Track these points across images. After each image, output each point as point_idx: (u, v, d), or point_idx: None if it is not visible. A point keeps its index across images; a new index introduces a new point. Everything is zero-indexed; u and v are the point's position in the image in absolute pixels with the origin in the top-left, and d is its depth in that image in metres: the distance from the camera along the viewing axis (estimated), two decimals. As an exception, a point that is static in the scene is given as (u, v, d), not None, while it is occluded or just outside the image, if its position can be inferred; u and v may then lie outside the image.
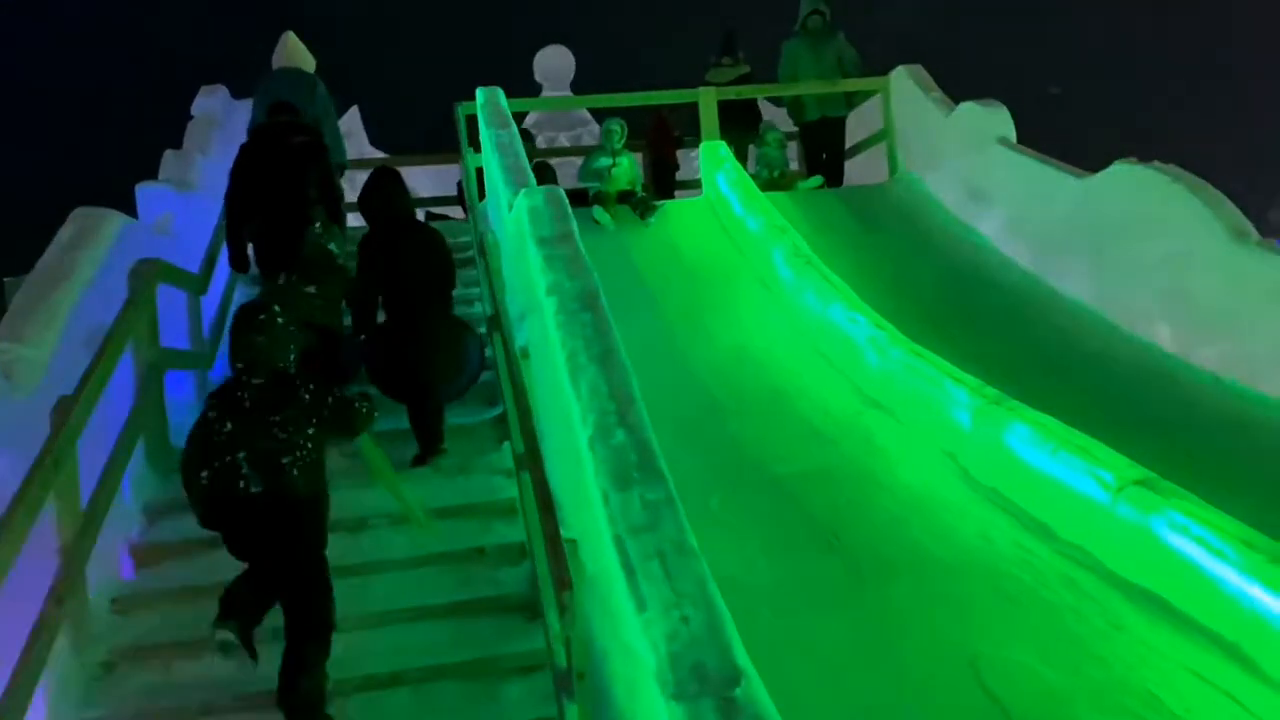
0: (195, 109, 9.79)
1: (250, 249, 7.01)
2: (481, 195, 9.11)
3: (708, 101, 10.61)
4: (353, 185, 9.80)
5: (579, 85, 15.60)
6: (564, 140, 14.92)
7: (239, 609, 4.19)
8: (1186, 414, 6.38)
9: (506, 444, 5.92)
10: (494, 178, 8.09)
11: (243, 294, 7.51)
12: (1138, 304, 7.49)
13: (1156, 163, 7.78)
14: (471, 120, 9.87)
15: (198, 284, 7.13)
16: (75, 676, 4.54)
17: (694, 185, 11.03)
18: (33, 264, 5.68)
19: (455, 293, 6.57)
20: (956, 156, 9.79)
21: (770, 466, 6.06)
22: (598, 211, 9.77)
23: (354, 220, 8.41)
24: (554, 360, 4.72)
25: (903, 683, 4.32)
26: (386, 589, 5.06)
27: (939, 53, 12.20)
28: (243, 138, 7.84)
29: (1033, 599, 4.83)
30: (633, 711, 3.45)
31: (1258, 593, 4.28)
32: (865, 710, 4.18)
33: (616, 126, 10.28)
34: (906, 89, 10.67)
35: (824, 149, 11.10)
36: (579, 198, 9.26)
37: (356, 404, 4.50)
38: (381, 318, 6.35)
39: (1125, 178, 7.91)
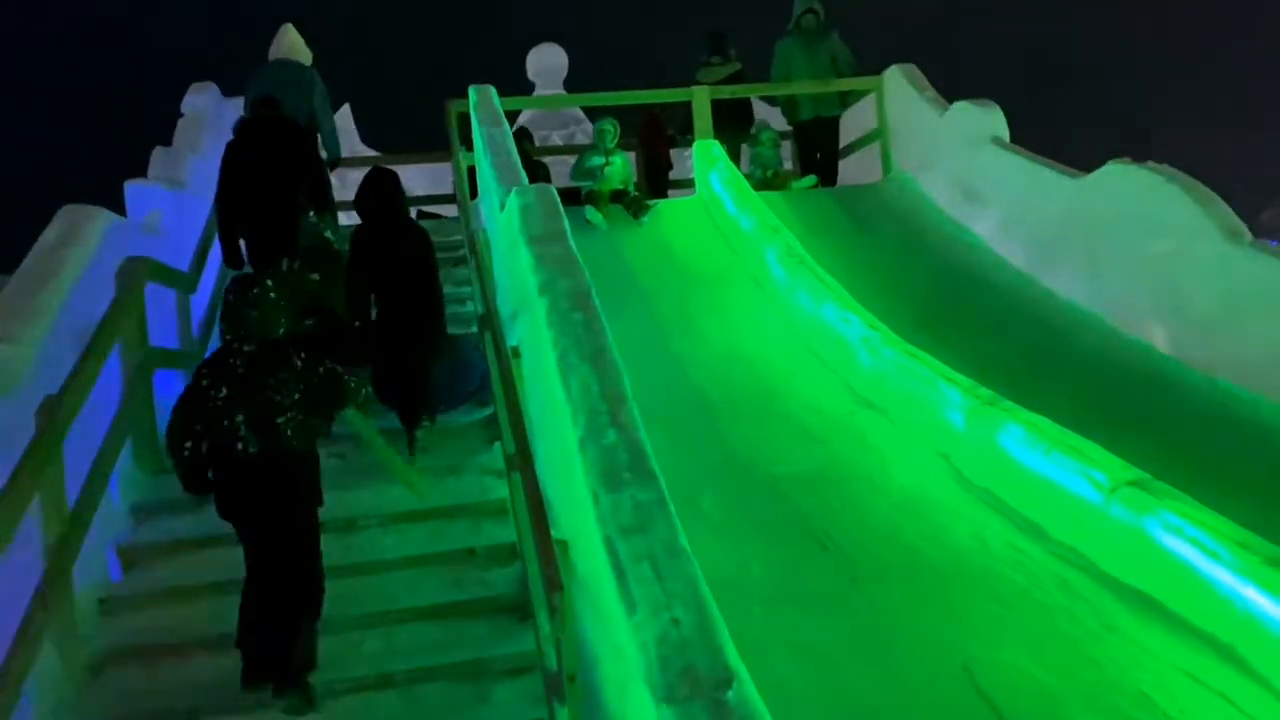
0: (185, 107, 9.73)
1: (243, 245, 6.98)
2: (474, 194, 9.08)
3: (701, 100, 10.58)
4: (344, 184, 9.76)
5: (572, 84, 15.57)
6: (557, 139, 14.88)
7: (262, 666, 4.31)
8: (1180, 415, 6.37)
9: (497, 444, 5.89)
10: (486, 176, 8.06)
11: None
12: (1132, 304, 7.47)
13: (1150, 163, 7.77)
14: (463, 118, 9.84)
15: (187, 282, 7.09)
16: (62, 678, 4.50)
17: (687, 184, 11.01)
18: (19, 262, 5.63)
19: (447, 290, 6.54)
20: (950, 156, 9.77)
21: (763, 467, 6.03)
22: (590, 211, 9.74)
23: (347, 220, 8.39)
24: (545, 360, 4.70)
25: (895, 683, 4.30)
26: (376, 590, 5.03)
27: (933, 52, 12.20)
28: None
29: (1026, 600, 4.82)
30: (623, 714, 3.42)
31: (1252, 594, 4.26)
32: (858, 712, 4.16)
33: (610, 126, 10.26)
34: (900, 88, 10.66)
35: (818, 148, 11.09)
36: (571, 196, 9.24)
37: (345, 377, 4.64)
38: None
39: (1119, 178, 7.90)
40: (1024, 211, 8.77)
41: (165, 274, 6.57)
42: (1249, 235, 6.93)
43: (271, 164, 6.81)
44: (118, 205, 7.28)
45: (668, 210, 10.22)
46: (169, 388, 6.43)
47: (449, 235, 9.11)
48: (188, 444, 4.44)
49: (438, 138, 10.61)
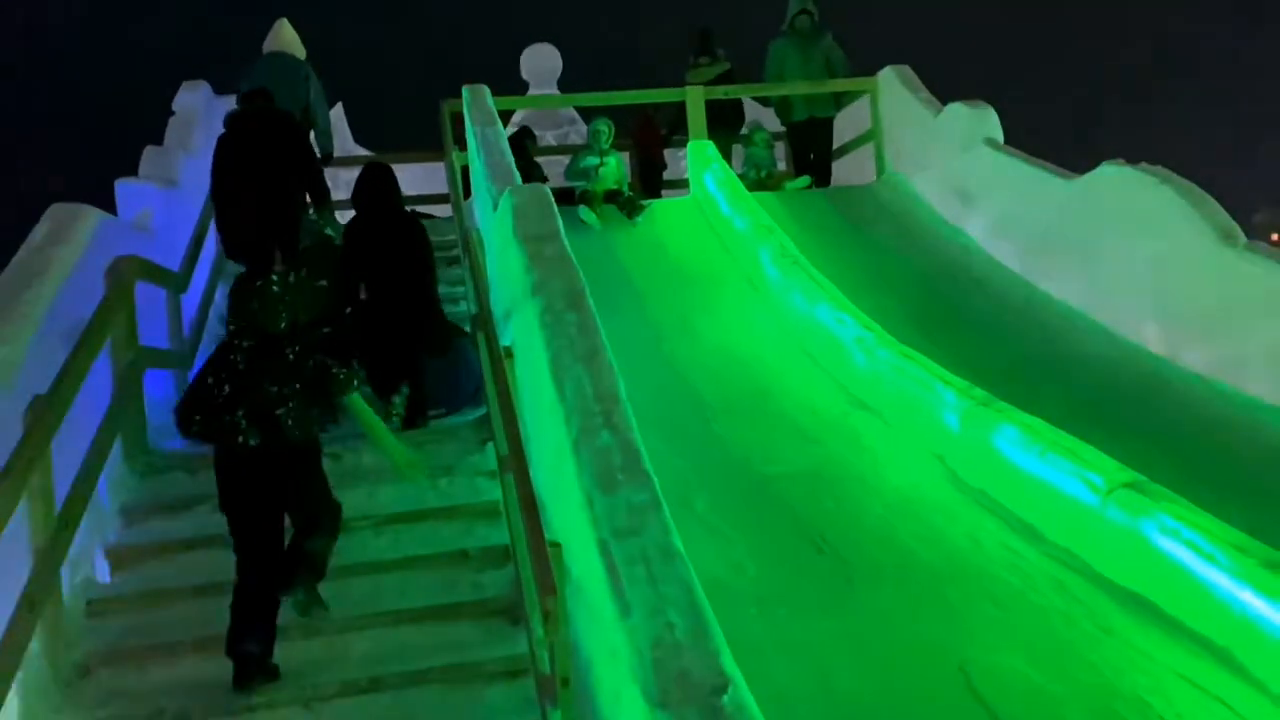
0: (177, 105, 9.70)
1: (237, 235, 6.94)
2: (467, 193, 9.05)
3: (695, 101, 10.56)
4: (336, 184, 9.71)
5: (566, 84, 15.53)
6: (551, 139, 14.84)
7: (253, 661, 4.37)
8: (1175, 416, 6.36)
9: (490, 445, 5.86)
10: (479, 175, 8.03)
11: (225, 292, 7.42)
12: (1125, 306, 7.47)
13: (1144, 164, 7.78)
14: (457, 118, 9.80)
15: (177, 281, 7.04)
16: (49, 680, 4.45)
17: (681, 185, 10.99)
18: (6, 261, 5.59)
19: (441, 291, 6.51)
20: (944, 157, 9.77)
21: (757, 468, 6.01)
22: (584, 211, 9.72)
23: (345, 219, 8.34)
24: (538, 360, 4.66)
25: (890, 685, 4.27)
26: (367, 592, 5.00)
27: (927, 53, 12.20)
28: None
29: (1021, 602, 4.80)
30: (617, 719, 3.39)
31: (1249, 597, 4.24)
32: (853, 714, 4.13)
33: (604, 126, 10.24)
34: (894, 90, 10.65)
35: (812, 149, 11.09)
36: (565, 197, 9.21)
37: (334, 370, 4.67)
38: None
39: (1113, 179, 7.90)
40: (1018, 213, 8.77)
41: (156, 273, 6.53)
42: (1243, 237, 6.94)
43: (262, 153, 6.78)
44: (108, 204, 7.24)
45: (662, 210, 10.20)
46: (159, 387, 6.40)
47: (443, 235, 9.06)
48: (205, 431, 4.57)
49: (431, 137, 10.58)
